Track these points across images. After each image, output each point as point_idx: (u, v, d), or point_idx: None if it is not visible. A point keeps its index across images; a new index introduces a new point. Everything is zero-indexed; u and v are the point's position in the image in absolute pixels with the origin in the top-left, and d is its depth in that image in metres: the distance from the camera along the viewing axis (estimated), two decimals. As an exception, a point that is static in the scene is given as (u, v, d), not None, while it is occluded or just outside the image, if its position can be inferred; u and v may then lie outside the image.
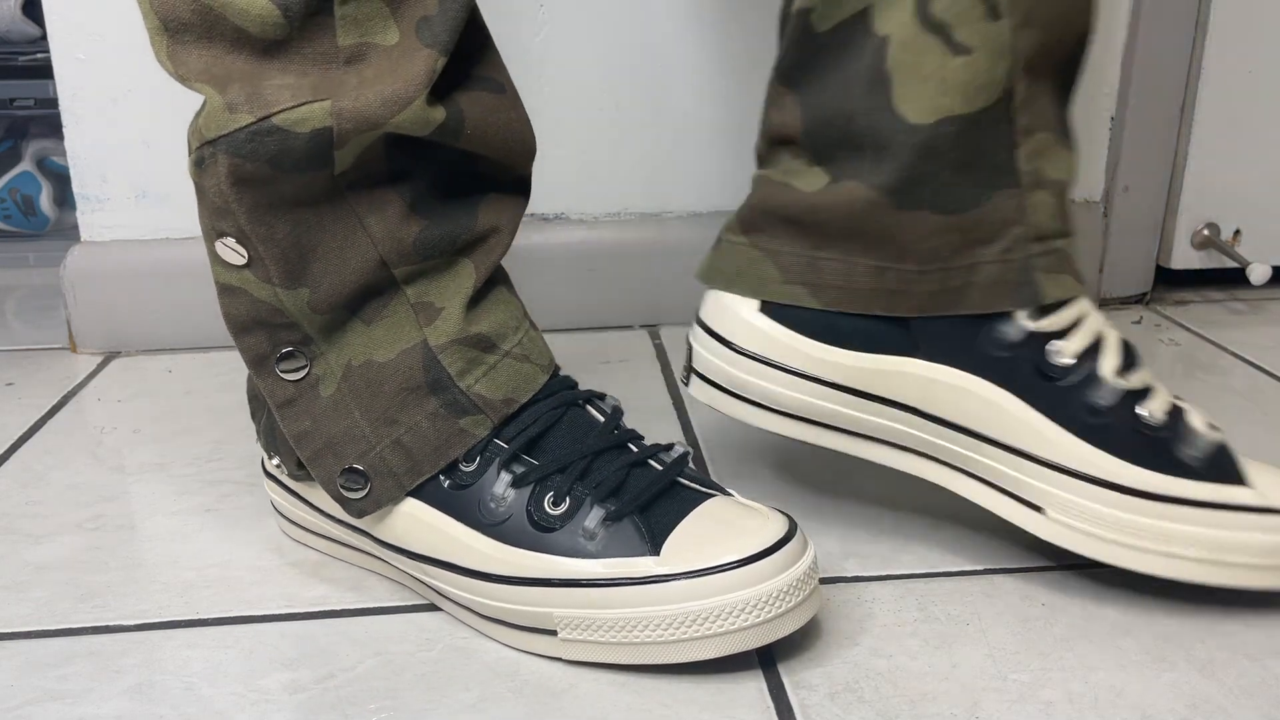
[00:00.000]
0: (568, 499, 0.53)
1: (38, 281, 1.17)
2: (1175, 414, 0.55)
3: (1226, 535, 0.53)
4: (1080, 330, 0.55)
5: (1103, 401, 0.54)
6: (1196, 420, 0.55)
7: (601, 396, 0.58)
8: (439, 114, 0.52)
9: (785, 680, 0.51)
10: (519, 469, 0.54)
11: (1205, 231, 1.04)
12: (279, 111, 0.49)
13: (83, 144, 0.93)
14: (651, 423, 0.79)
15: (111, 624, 0.56)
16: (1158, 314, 1.02)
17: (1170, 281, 1.07)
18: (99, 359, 0.94)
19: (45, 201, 1.29)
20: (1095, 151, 1.01)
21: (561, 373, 0.59)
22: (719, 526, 0.52)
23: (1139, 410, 0.54)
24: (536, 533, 0.52)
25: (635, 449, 0.56)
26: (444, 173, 0.55)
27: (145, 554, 0.63)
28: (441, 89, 0.52)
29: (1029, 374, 0.55)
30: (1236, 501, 0.53)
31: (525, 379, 0.56)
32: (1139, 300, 1.05)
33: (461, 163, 0.55)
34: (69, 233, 1.17)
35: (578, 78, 0.94)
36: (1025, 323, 0.55)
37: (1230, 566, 0.53)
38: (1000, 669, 0.51)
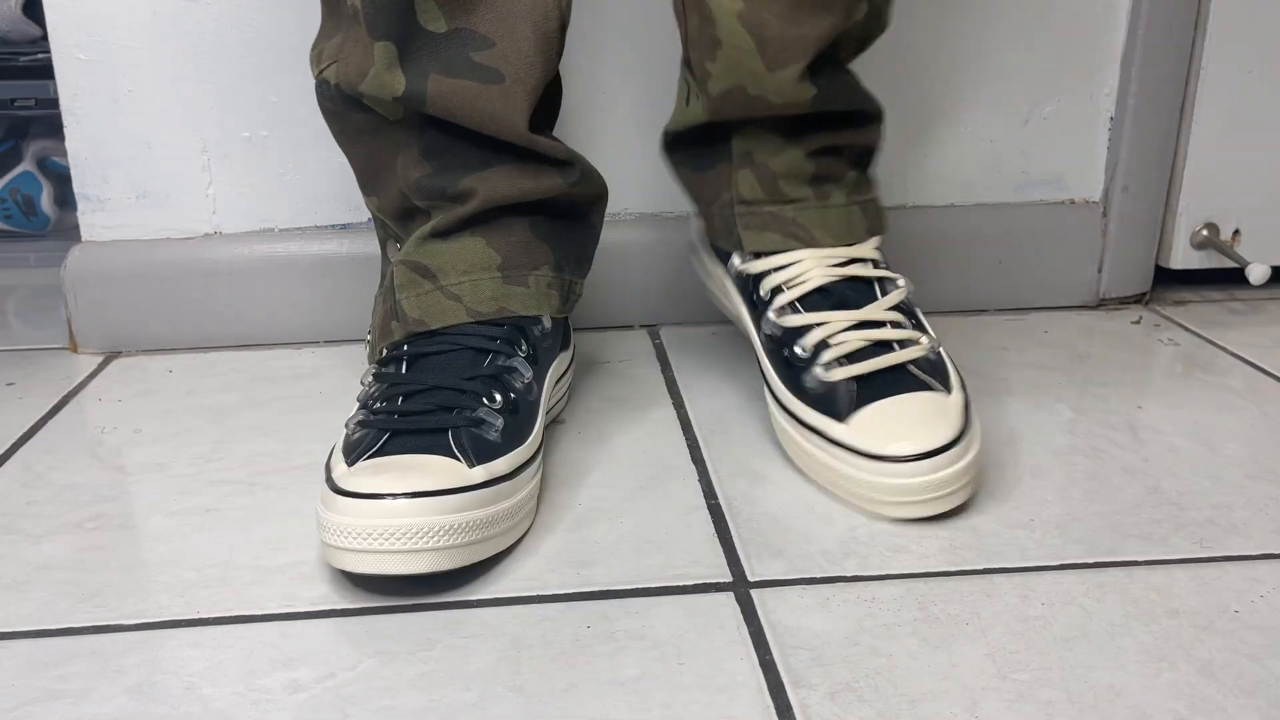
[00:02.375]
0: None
1: (38, 281, 1.17)
2: (819, 350, 0.68)
3: (818, 455, 0.67)
4: (777, 274, 0.73)
5: (768, 331, 0.72)
6: (822, 361, 0.68)
7: (514, 361, 0.67)
8: (399, 84, 0.66)
9: (785, 680, 0.51)
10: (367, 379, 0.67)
11: (1204, 231, 1.04)
12: (324, 68, 0.69)
13: (83, 144, 0.93)
14: (650, 422, 0.79)
15: (112, 624, 0.56)
16: (1157, 314, 1.02)
17: (1169, 281, 1.07)
18: (99, 359, 0.94)
19: (46, 202, 1.29)
20: (1095, 151, 1.01)
21: (542, 331, 0.71)
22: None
23: (796, 344, 0.69)
24: None
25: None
26: (444, 134, 0.69)
27: (145, 554, 0.63)
28: (416, 69, 0.66)
29: (749, 301, 0.76)
30: (827, 432, 0.66)
31: (443, 311, 0.68)
32: (1138, 300, 1.05)
33: (454, 129, 0.68)
34: (69, 233, 1.17)
35: (577, 78, 0.94)
36: (735, 261, 0.76)
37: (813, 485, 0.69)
38: (1000, 669, 0.52)
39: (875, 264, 0.73)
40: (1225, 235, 1.04)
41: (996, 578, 0.59)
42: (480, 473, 0.59)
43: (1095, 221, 1.02)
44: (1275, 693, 0.50)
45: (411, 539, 0.55)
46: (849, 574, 0.60)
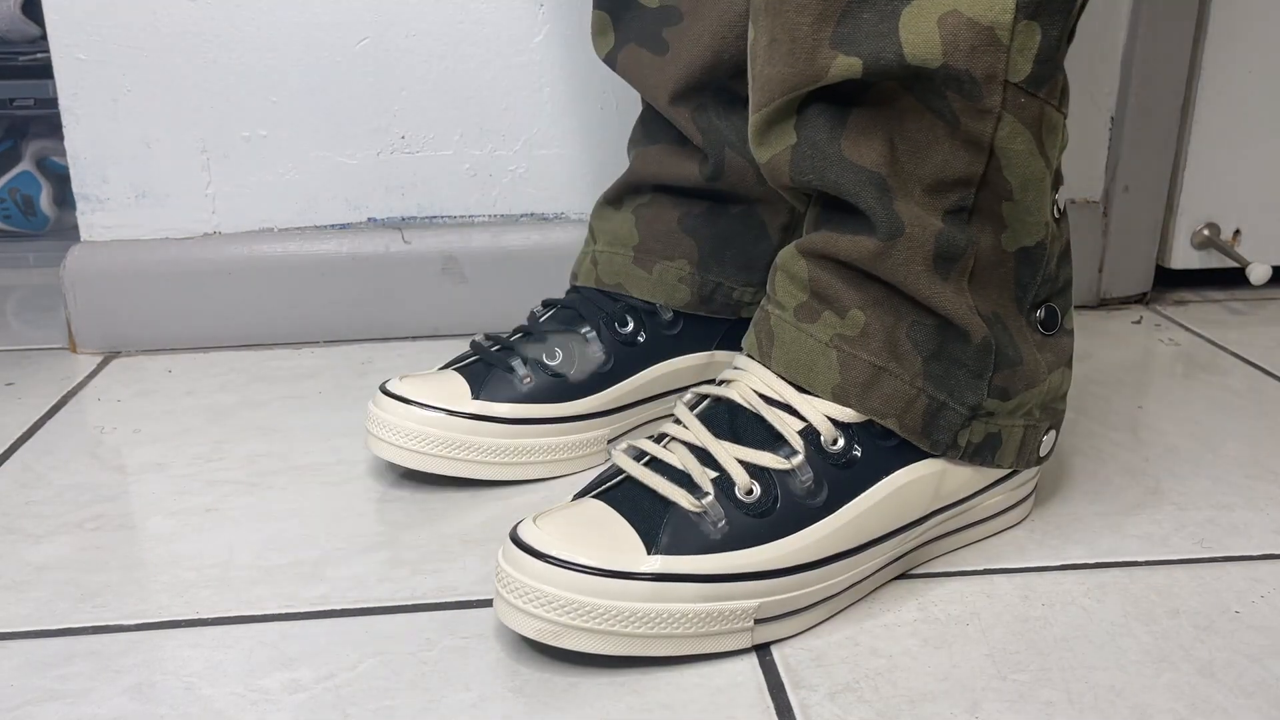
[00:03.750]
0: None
1: (38, 281, 1.17)
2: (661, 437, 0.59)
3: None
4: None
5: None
6: (630, 444, 0.58)
7: (591, 335, 0.72)
8: (603, 49, 0.75)
9: (785, 680, 0.51)
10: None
11: (1205, 231, 1.04)
12: None
13: (82, 144, 0.93)
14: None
15: (111, 624, 0.56)
16: (1157, 314, 1.02)
17: (1170, 281, 1.07)
18: (99, 359, 0.94)
19: (45, 201, 1.29)
20: (1095, 151, 1.01)
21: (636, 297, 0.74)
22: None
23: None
24: None
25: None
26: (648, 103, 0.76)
27: (145, 554, 0.63)
28: (621, 37, 0.73)
29: None
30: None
31: (585, 271, 0.76)
32: (1139, 300, 1.05)
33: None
34: (69, 233, 1.17)
35: (578, 78, 0.94)
36: None
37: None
38: (1000, 669, 0.52)
39: (811, 435, 0.55)
40: (1226, 235, 1.04)
41: (996, 578, 0.59)
42: (475, 406, 0.68)
43: (1096, 221, 1.02)
44: (1275, 693, 0.50)
45: (406, 438, 0.68)
46: (849, 574, 0.59)
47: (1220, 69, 0.99)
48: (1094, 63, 0.99)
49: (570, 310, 0.74)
